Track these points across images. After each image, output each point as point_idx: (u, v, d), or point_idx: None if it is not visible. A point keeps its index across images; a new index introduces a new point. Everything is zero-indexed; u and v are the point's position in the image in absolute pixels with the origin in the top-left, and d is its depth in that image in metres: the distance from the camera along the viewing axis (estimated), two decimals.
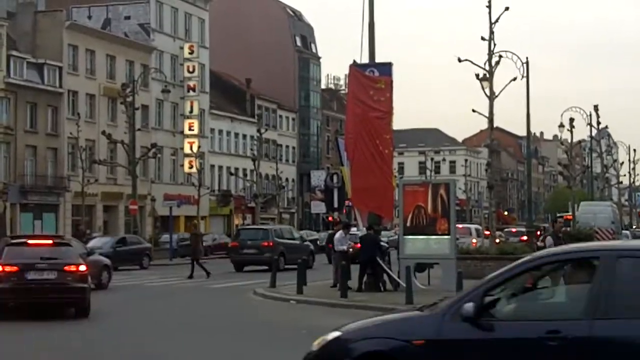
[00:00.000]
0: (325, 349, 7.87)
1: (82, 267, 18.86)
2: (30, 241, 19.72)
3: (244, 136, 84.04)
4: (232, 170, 77.41)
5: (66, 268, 18.43)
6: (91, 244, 36.85)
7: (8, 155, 57.76)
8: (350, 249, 26.26)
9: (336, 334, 7.93)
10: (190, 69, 74.55)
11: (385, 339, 7.60)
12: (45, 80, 60.62)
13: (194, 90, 74.39)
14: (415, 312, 8.20)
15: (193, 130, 73.47)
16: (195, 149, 70.29)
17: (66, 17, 64.50)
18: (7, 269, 18.10)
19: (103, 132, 53.28)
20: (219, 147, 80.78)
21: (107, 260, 28.16)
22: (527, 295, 7.77)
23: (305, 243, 41.27)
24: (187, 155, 71.20)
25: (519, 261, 7.83)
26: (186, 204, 65.36)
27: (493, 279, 7.65)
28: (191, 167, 69.17)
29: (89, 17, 71.09)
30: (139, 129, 53.25)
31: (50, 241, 20.05)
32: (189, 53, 74.57)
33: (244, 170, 78.47)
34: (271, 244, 37.04)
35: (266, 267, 32.73)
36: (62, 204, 61.48)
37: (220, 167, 79.95)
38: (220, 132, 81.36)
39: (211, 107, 79.42)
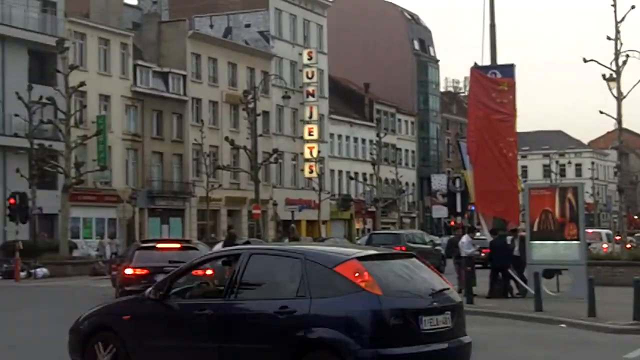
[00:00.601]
0: (74, 324, 11.04)
1: (209, 272, 19.13)
2: (159, 245, 20.25)
3: (363, 140, 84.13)
4: (352, 175, 77.55)
5: (193, 271, 18.78)
6: (216, 248, 37.35)
7: (136, 161, 59.44)
8: (478, 253, 25.84)
9: (82, 314, 11.04)
10: (309, 75, 75.15)
11: (106, 315, 10.86)
12: (170, 88, 62.15)
13: (313, 95, 74.97)
14: (133, 296, 11.96)
15: (313, 135, 74.05)
16: (315, 154, 70.78)
17: (189, 27, 65.97)
18: (138, 272, 18.62)
19: (226, 138, 54.15)
20: (338, 151, 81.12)
21: None
22: (195, 283, 10.90)
23: (437, 248, 40.97)
24: (307, 160, 71.81)
25: (192, 260, 11.72)
26: (307, 209, 65.86)
27: (177, 272, 10.71)
28: (311, 171, 69.71)
29: (211, 26, 72.52)
30: (260, 135, 53.90)
31: (178, 245, 20.54)
32: (308, 59, 75.19)
33: (364, 174, 78.55)
34: (403, 248, 36.77)
35: None
36: (187, 209, 62.84)
37: (340, 172, 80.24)
38: (340, 136, 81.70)
39: (330, 112, 79.82)
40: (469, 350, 9.74)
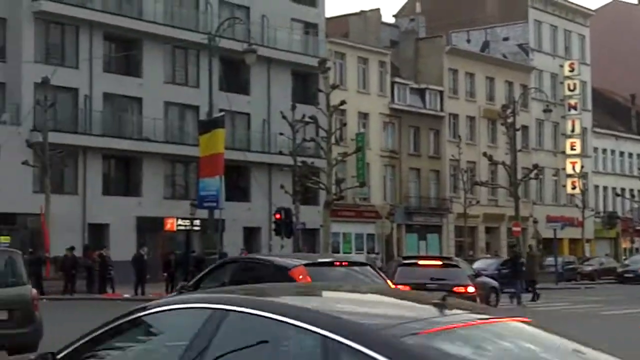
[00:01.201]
0: None
1: (471, 289, 18.78)
2: (420, 262, 20.13)
3: (630, 155, 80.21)
4: (618, 191, 74.00)
5: (455, 289, 18.47)
6: (476, 265, 36.85)
7: (393, 177, 60.01)
8: None
9: None
10: (571, 87, 72.75)
11: None
12: (427, 104, 62.29)
13: (575, 108, 72.48)
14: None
15: (575, 149, 71.55)
16: (577, 169, 68.26)
17: (446, 42, 65.88)
18: (400, 288, 18.48)
19: (484, 154, 53.35)
20: (602, 166, 77.80)
21: (494, 283, 27.95)
22: None
23: None
24: (570, 176, 69.41)
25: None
26: (569, 226, 63.50)
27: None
28: (574, 187, 67.28)
29: (468, 41, 71.98)
30: (519, 150, 52.65)
31: (439, 262, 20.33)
32: (570, 71, 72.83)
33: (631, 190, 74.87)
34: None
35: None
36: (444, 225, 62.59)
37: (605, 188, 76.88)
38: (604, 151, 78.33)
39: (594, 125, 76.77)
40: None
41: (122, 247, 42.07)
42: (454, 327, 3.99)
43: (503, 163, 51.47)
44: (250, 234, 50.49)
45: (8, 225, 40.85)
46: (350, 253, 55.72)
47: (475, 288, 19.48)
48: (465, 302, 5.00)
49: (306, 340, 3.91)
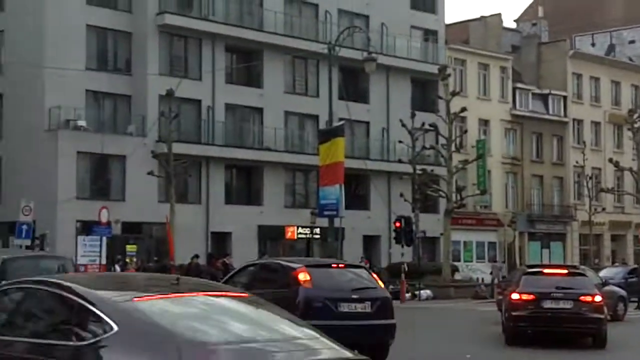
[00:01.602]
0: None
1: (598, 298, 18.31)
2: (546, 270, 19.74)
3: None
4: None
5: (582, 298, 18.16)
6: (602, 273, 35.80)
7: (515, 185, 59.03)
8: None
9: None
10: None
11: None
12: (550, 110, 61.07)
13: None
14: None
15: None
16: None
17: (569, 46, 64.47)
18: (525, 297, 18.19)
19: (610, 160, 51.93)
20: None
21: (622, 292, 27.09)
22: None
23: None
24: None
25: None
26: None
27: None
28: None
29: (592, 45, 70.30)
30: None
31: (565, 271, 19.83)
32: None
33: None
34: None
35: None
36: (568, 233, 61.21)
37: None
38: None
39: None
40: (386, 328, 14.22)
41: (244, 255, 42.68)
42: (163, 297, 6.07)
43: (630, 169, 50.02)
44: (370, 242, 50.46)
45: (134, 234, 42.01)
46: (471, 262, 55.09)
47: (603, 297, 18.92)
48: (195, 281, 7.95)
49: (67, 302, 6.06)
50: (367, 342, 13.30)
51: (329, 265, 15.49)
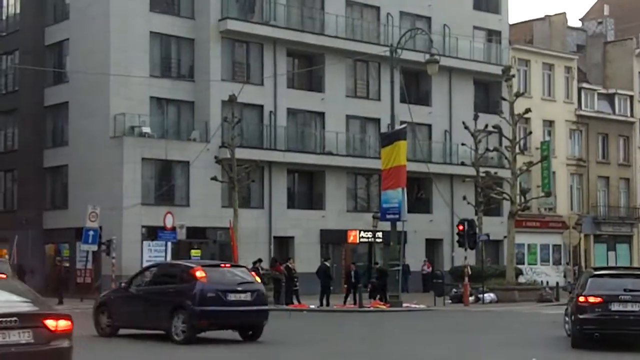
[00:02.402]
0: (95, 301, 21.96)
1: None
2: (613, 272, 19.46)
3: None
4: None
5: None
6: None
7: (581, 186, 58.22)
8: None
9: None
10: None
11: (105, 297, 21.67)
12: (616, 110, 60.12)
13: None
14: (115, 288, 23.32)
15: None
16: None
17: (636, 45, 63.29)
18: (591, 299, 17.91)
19: None
20: None
21: None
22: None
23: None
24: None
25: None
26: None
27: (135, 274, 21.29)
28: None
29: None
30: None
31: (633, 273, 19.54)
32: None
33: None
34: None
35: None
36: (635, 235, 60.16)
37: None
38: None
39: None
40: (262, 313, 19.10)
41: (306, 259, 42.80)
42: None
43: None
44: (432, 246, 50.18)
45: (199, 239, 42.39)
46: (535, 265, 54.50)
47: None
48: None
49: None
50: (248, 322, 18.96)
51: (218, 265, 20.30)
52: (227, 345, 18.63)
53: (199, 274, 18.49)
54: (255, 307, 18.76)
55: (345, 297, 35.53)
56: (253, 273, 20.73)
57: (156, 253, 40.01)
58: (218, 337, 19.27)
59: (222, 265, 20.43)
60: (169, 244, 37.61)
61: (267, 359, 17.21)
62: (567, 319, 20.29)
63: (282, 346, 18.92)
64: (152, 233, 39.13)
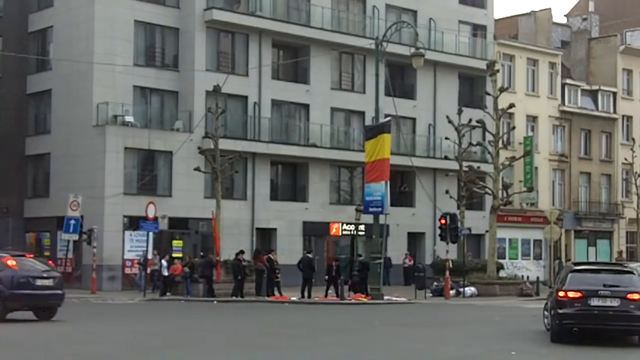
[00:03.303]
0: None
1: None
2: (592, 268, 19.59)
3: None
4: None
5: (629, 296, 17.99)
6: None
7: (563, 182, 58.44)
8: None
9: None
10: None
11: None
12: (599, 106, 60.34)
13: None
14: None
15: None
16: None
17: (620, 42, 63.55)
18: (571, 294, 18.02)
19: None
20: None
21: None
22: None
23: None
24: None
25: None
26: None
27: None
28: None
29: None
30: None
31: (612, 268, 19.66)
32: None
33: None
34: None
35: None
36: (615, 231, 60.49)
37: None
38: None
39: None
40: (60, 296, 22.38)
41: (288, 251, 42.83)
42: None
43: None
44: (415, 239, 50.30)
45: (181, 229, 42.33)
46: (516, 259, 54.75)
47: None
48: None
49: None
50: (49, 304, 22.31)
51: (24, 255, 23.32)
52: (32, 324, 21.65)
53: (10, 262, 21.77)
54: (57, 291, 22.30)
55: (326, 290, 35.58)
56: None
57: (138, 243, 39.93)
58: (15, 318, 21.99)
59: (27, 255, 23.87)
60: (151, 234, 37.50)
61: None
62: (546, 313, 20.46)
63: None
64: (134, 223, 39.00)
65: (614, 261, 49.32)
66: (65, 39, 43.04)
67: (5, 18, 45.79)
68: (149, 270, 38.23)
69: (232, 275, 34.60)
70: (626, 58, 62.23)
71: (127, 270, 40.63)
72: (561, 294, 18.20)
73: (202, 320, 24.13)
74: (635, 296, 17.90)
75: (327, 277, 36.18)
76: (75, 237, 38.73)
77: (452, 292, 37.45)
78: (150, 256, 38.57)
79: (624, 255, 57.99)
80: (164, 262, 37.13)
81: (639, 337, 18.41)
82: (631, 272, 19.30)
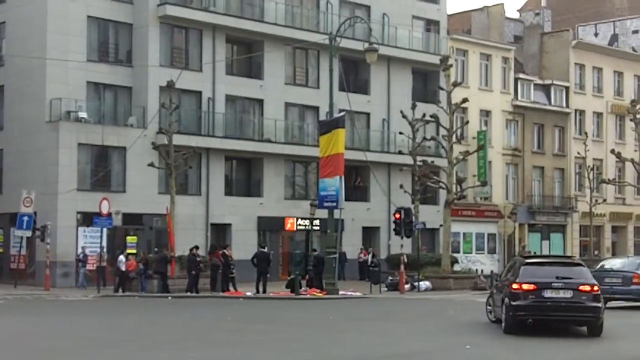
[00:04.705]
0: None
1: (596, 287, 18.54)
2: (544, 261, 19.93)
3: None
4: None
5: (581, 288, 18.44)
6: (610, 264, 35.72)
7: (516, 176, 58.99)
8: None
9: None
10: None
11: None
12: (552, 100, 60.98)
13: None
14: None
15: None
16: None
17: (572, 37, 64.30)
18: (525, 287, 18.33)
19: (612, 151, 51.85)
20: None
21: None
22: None
23: None
24: None
25: None
26: None
27: None
28: None
29: (595, 35, 70.20)
30: None
31: (563, 261, 20.07)
32: None
33: None
34: None
35: None
36: (569, 225, 61.21)
37: None
38: None
39: None
40: None
41: (243, 246, 42.76)
42: None
43: (632, 160, 50.04)
44: (370, 234, 50.47)
45: (135, 225, 42.04)
46: (470, 253, 55.18)
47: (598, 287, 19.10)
48: None
49: None
50: None
51: None
52: None
53: None
54: None
55: (257, 284, 34.97)
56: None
57: (91, 239, 39.60)
58: None
59: None
60: (105, 230, 37.22)
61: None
62: (489, 307, 21.07)
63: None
64: (88, 219, 38.68)
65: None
66: (18, 35, 42.49)
67: None
68: (94, 267, 38.12)
69: (187, 271, 34.48)
70: (578, 53, 62.97)
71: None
72: (515, 286, 18.45)
73: (158, 316, 24.03)
74: (587, 288, 18.37)
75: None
76: (29, 233, 38.32)
77: (407, 286, 37.67)
78: (105, 252, 38.30)
79: (577, 249, 58.77)
80: (122, 258, 36.84)
81: (588, 328, 18.74)
82: (581, 265, 19.66)
